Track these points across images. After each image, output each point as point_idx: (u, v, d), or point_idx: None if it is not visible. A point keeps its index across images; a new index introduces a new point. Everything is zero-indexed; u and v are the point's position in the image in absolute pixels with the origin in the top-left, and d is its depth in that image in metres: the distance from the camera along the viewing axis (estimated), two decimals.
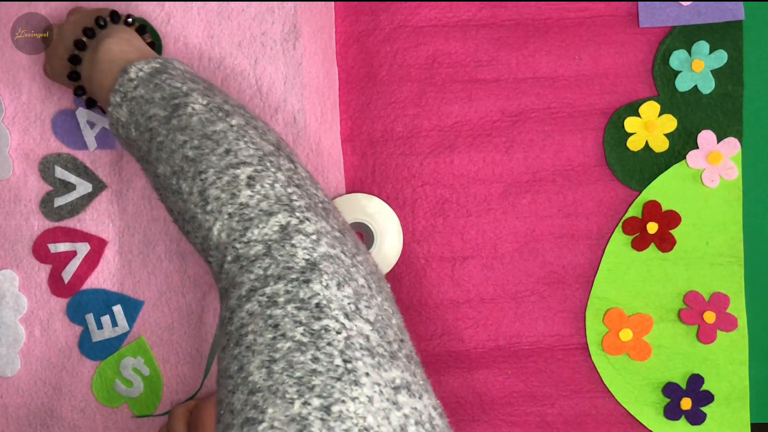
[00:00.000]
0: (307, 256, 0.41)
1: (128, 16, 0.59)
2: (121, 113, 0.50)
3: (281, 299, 0.39)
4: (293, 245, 0.41)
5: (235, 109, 0.49)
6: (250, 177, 0.44)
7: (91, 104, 0.60)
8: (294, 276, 0.40)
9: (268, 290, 0.40)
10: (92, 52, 0.55)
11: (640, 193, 0.67)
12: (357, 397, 0.35)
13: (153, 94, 0.49)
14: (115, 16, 0.58)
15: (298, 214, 0.43)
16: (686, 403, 0.66)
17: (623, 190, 0.67)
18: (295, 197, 0.44)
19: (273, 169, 0.45)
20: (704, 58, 0.65)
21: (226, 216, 0.43)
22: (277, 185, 0.44)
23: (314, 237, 0.42)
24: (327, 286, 0.40)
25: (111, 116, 0.52)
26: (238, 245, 0.42)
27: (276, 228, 0.42)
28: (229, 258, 0.43)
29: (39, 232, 0.66)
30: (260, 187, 0.44)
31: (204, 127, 0.47)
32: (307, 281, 0.40)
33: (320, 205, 0.45)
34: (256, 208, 0.43)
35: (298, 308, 0.38)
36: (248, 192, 0.44)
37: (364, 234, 0.66)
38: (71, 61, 0.56)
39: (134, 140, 0.50)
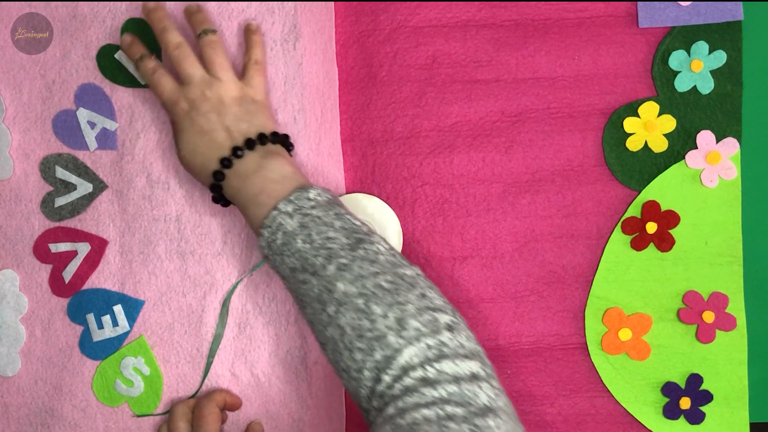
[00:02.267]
0: (489, 402, 0.47)
1: (285, 135, 0.61)
2: (289, 222, 0.55)
3: (459, 418, 0.45)
4: (479, 387, 0.48)
5: (410, 263, 0.55)
6: (448, 324, 0.51)
7: (220, 201, 0.60)
8: (474, 409, 0.46)
9: (448, 408, 0.46)
10: (260, 158, 0.58)
11: (640, 193, 0.67)
12: None
13: (333, 221, 0.55)
14: (287, 140, 0.61)
15: (487, 369, 0.50)
16: (685, 403, 0.66)
17: (622, 190, 0.67)
18: (482, 355, 0.52)
19: (463, 325, 0.52)
20: (703, 58, 0.66)
21: (424, 345, 0.49)
22: (471, 341, 0.51)
23: (497, 391, 0.49)
24: (499, 427, 0.46)
25: (272, 220, 0.55)
26: (429, 369, 0.48)
27: (467, 372, 0.49)
28: (413, 375, 0.48)
29: (40, 232, 0.66)
30: (458, 335, 0.51)
31: (394, 268, 0.53)
32: (484, 415, 0.46)
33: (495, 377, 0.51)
34: (453, 350, 0.49)
35: (472, 431, 0.45)
36: (448, 334, 0.50)
37: None
38: (234, 153, 0.58)
39: (297, 251, 0.54)
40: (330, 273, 0.53)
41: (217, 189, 0.59)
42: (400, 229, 0.67)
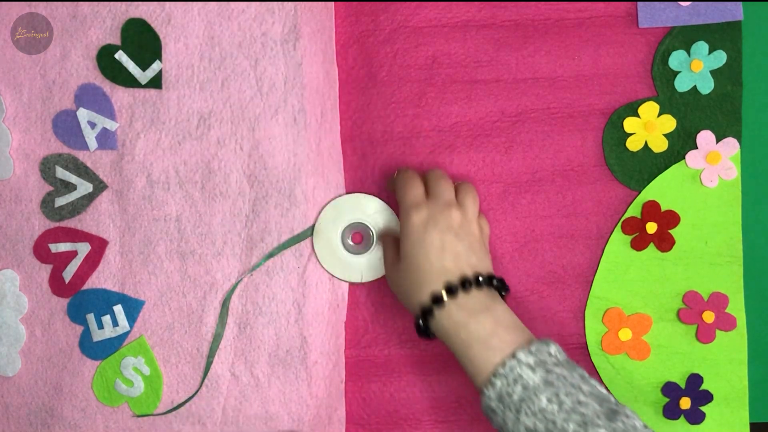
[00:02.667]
0: None
1: (502, 280, 0.59)
2: (532, 376, 0.50)
3: None
4: None
5: None
6: None
7: (425, 333, 0.57)
8: None
9: None
10: (485, 298, 0.54)
11: (640, 193, 0.67)
12: None
13: (580, 384, 0.50)
14: (503, 283, 0.58)
15: None
16: (685, 403, 0.66)
17: (622, 190, 0.67)
18: None
19: None
20: (703, 58, 0.66)
21: None
22: None
23: None
24: None
25: (509, 369, 0.50)
26: None
27: None
28: None
29: (40, 232, 0.66)
30: None
31: None
32: None
33: None
34: None
35: None
36: None
37: (363, 234, 0.67)
38: (463, 284, 0.54)
39: (541, 409, 0.49)
40: None
41: (428, 315, 0.55)
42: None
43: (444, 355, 0.67)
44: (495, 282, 0.57)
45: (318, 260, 0.66)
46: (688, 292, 0.67)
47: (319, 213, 0.66)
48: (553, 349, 0.52)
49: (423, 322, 0.56)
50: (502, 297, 0.58)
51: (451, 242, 0.56)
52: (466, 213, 0.59)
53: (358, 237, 0.67)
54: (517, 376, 0.50)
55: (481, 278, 0.55)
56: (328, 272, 0.66)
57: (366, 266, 0.66)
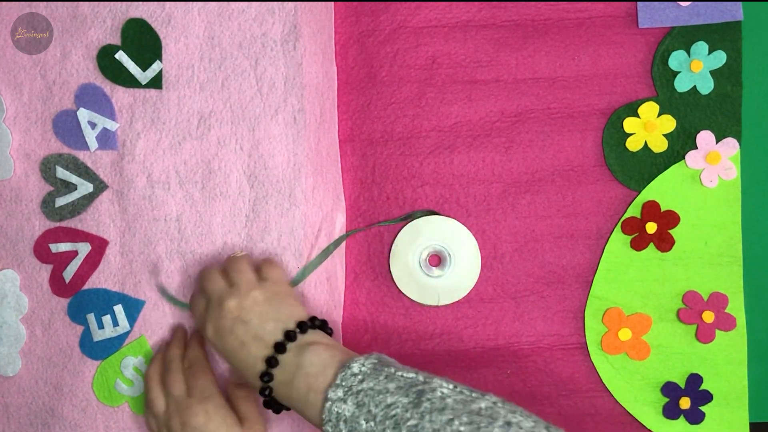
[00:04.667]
0: None
1: (323, 320, 0.59)
2: (345, 408, 0.51)
3: None
4: None
5: (482, 391, 0.52)
6: None
7: (272, 406, 0.58)
8: None
9: None
10: (295, 357, 0.55)
11: (639, 193, 0.67)
12: None
13: (386, 385, 0.51)
14: (315, 321, 0.58)
15: None
16: (685, 403, 0.66)
17: (622, 190, 0.67)
18: None
19: None
20: (703, 58, 0.66)
21: None
22: None
23: None
24: None
25: (329, 413, 0.52)
26: None
27: None
28: None
29: (40, 232, 0.66)
30: None
31: (465, 406, 0.49)
32: None
33: None
34: None
35: None
36: None
37: (441, 257, 0.67)
38: (269, 363, 0.55)
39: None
40: None
41: (272, 403, 0.57)
42: (478, 252, 0.67)
43: (444, 355, 0.67)
44: (298, 330, 0.57)
45: (395, 282, 0.67)
46: (687, 292, 0.67)
47: (396, 235, 0.67)
48: (356, 366, 0.53)
49: (273, 408, 0.58)
50: (320, 327, 0.59)
51: (244, 331, 0.57)
52: (239, 292, 0.58)
53: (435, 259, 0.67)
54: (336, 415, 0.52)
55: (281, 344, 0.56)
56: (405, 295, 0.67)
57: (443, 289, 0.67)
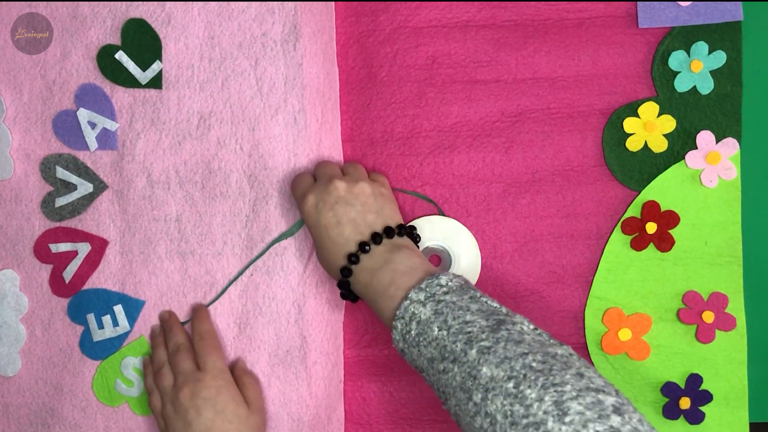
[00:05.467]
0: None
1: (411, 226, 0.61)
2: (423, 311, 0.53)
3: None
4: None
5: (561, 342, 0.51)
6: (615, 407, 0.45)
7: (345, 288, 0.59)
8: None
9: None
10: (387, 251, 0.57)
11: (639, 193, 0.67)
12: None
13: (468, 304, 0.52)
14: (412, 230, 0.61)
15: None
16: (685, 403, 0.66)
17: (622, 190, 0.67)
18: None
19: (632, 408, 0.46)
20: (703, 58, 0.66)
21: (592, 431, 0.43)
22: (645, 423, 0.45)
23: None
24: None
25: (404, 310, 0.53)
26: None
27: None
28: None
29: (40, 232, 0.66)
30: (629, 418, 0.44)
31: (543, 347, 0.49)
32: None
33: None
34: None
35: None
36: (618, 419, 0.44)
37: (441, 257, 0.67)
38: (361, 248, 0.57)
39: (434, 339, 0.52)
40: (472, 358, 0.49)
41: (346, 285, 0.59)
42: (479, 252, 0.67)
43: None
44: (396, 231, 0.59)
45: None
46: (687, 292, 0.67)
47: None
48: (444, 279, 0.54)
49: (345, 291, 0.60)
50: (413, 236, 0.61)
51: (344, 212, 0.58)
52: (352, 177, 0.61)
53: (435, 260, 0.67)
54: (411, 314, 0.53)
55: (378, 234, 0.58)
56: None
57: None
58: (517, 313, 0.53)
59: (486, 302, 0.53)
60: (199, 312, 0.65)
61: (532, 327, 0.52)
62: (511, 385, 0.46)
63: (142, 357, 0.66)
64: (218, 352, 0.63)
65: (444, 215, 0.67)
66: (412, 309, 0.53)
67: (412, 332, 0.53)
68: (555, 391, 0.45)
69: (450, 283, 0.54)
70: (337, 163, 0.65)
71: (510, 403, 0.46)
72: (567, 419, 0.44)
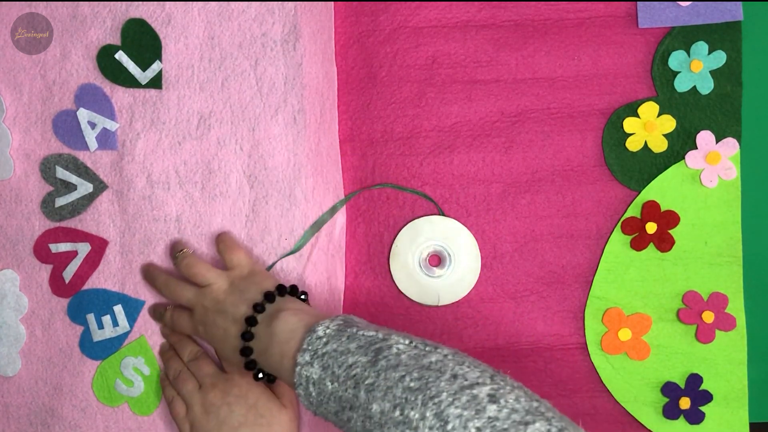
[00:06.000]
0: None
1: (292, 286, 0.61)
2: (312, 371, 0.53)
3: None
4: None
5: (437, 344, 0.52)
6: (490, 395, 0.46)
7: (263, 377, 0.60)
8: None
9: None
10: (266, 327, 0.57)
11: (639, 193, 0.67)
12: None
13: (348, 345, 0.53)
14: (282, 289, 0.60)
15: (555, 423, 0.45)
16: (685, 403, 0.66)
17: (622, 190, 0.67)
18: (543, 409, 0.47)
19: (509, 387, 0.47)
20: (703, 58, 0.66)
21: (473, 430, 0.45)
22: (522, 399, 0.46)
23: None
24: None
25: (299, 377, 0.53)
26: None
27: None
28: None
29: (40, 232, 0.66)
30: (505, 402, 0.46)
31: (418, 361, 0.50)
32: None
33: (564, 417, 0.48)
34: (507, 420, 0.45)
35: None
36: (494, 407, 0.45)
37: (440, 257, 0.67)
38: (243, 338, 0.58)
39: (331, 393, 0.52)
40: (363, 399, 0.50)
41: (262, 375, 0.59)
42: (478, 252, 0.67)
43: None
44: (266, 299, 0.59)
45: (394, 282, 0.67)
46: (687, 292, 0.67)
47: (396, 235, 0.67)
48: (320, 330, 0.54)
49: (264, 377, 0.60)
50: (296, 292, 0.61)
51: (222, 321, 0.59)
52: (210, 285, 0.61)
53: (435, 259, 0.67)
54: (305, 378, 0.53)
55: (249, 317, 0.58)
56: (405, 295, 0.67)
57: (443, 289, 0.67)
58: (394, 333, 0.53)
59: (363, 335, 0.53)
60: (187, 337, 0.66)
61: (407, 342, 0.52)
62: (397, 413, 0.48)
63: (142, 357, 0.66)
64: None
65: (444, 215, 0.67)
66: (304, 373, 0.53)
67: (313, 394, 0.53)
68: (433, 404, 0.46)
69: (328, 331, 0.54)
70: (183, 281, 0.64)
71: (401, 431, 0.47)
72: (449, 427, 0.45)
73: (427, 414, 0.46)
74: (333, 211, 0.66)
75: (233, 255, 0.63)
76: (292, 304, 0.58)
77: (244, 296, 0.59)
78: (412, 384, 0.48)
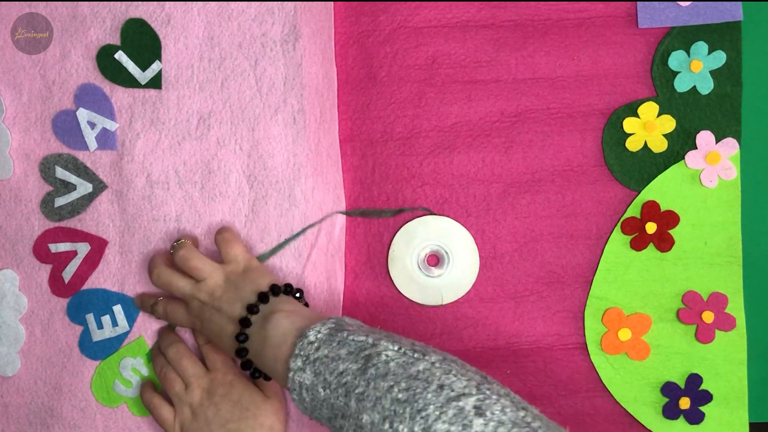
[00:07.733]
0: None
1: (287, 285, 0.61)
2: (305, 376, 0.53)
3: None
4: None
5: (425, 348, 0.52)
6: (476, 407, 0.46)
7: (259, 376, 0.60)
8: None
9: None
10: (260, 329, 0.57)
11: (639, 193, 0.67)
12: None
13: (338, 351, 0.52)
14: (276, 289, 0.60)
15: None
16: (685, 403, 0.66)
17: (622, 190, 0.67)
18: (529, 418, 0.46)
19: (495, 396, 0.47)
20: (703, 58, 0.66)
21: None
22: (508, 410, 0.46)
23: None
24: None
25: (292, 382, 0.53)
26: None
27: None
28: None
29: (39, 232, 0.66)
30: (491, 414, 0.46)
31: (406, 370, 0.50)
32: None
33: (551, 423, 0.48)
34: None
35: None
36: (480, 421, 0.45)
37: (438, 256, 0.67)
38: (238, 339, 0.58)
39: (323, 399, 0.52)
40: (353, 409, 0.50)
41: (258, 375, 0.60)
42: (475, 247, 0.67)
43: None
44: (259, 300, 0.59)
45: (396, 287, 0.67)
46: (687, 292, 0.67)
47: (391, 240, 0.67)
48: (312, 335, 0.54)
49: (259, 375, 0.60)
50: (290, 290, 0.60)
51: (218, 318, 0.60)
52: (206, 279, 0.61)
53: (433, 259, 0.67)
54: (298, 384, 0.53)
55: (244, 318, 0.58)
56: (408, 298, 0.67)
57: (445, 287, 0.67)
58: (383, 337, 0.53)
59: (354, 340, 0.53)
60: (173, 331, 0.66)
61: (396, 348, 0.52)
62: (387, 426, 0.48)
63: (141, 358, 0.66)
64: (221, 351, 0.63)
65: (434, 214, 0.67)
66: (297, 378, 0.53)
67: (306, 399, 0.53)
68: (421, 417, 0.47)
69: (319, 336, 0.53)
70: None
71: None
72: None
73: (416, 429, 0.46)
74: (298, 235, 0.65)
75: (231, 249, 0.62)
76: (285, 305, 0.58)
77: (239, 294, 0.59)
78: (400, 395, 0.48)
